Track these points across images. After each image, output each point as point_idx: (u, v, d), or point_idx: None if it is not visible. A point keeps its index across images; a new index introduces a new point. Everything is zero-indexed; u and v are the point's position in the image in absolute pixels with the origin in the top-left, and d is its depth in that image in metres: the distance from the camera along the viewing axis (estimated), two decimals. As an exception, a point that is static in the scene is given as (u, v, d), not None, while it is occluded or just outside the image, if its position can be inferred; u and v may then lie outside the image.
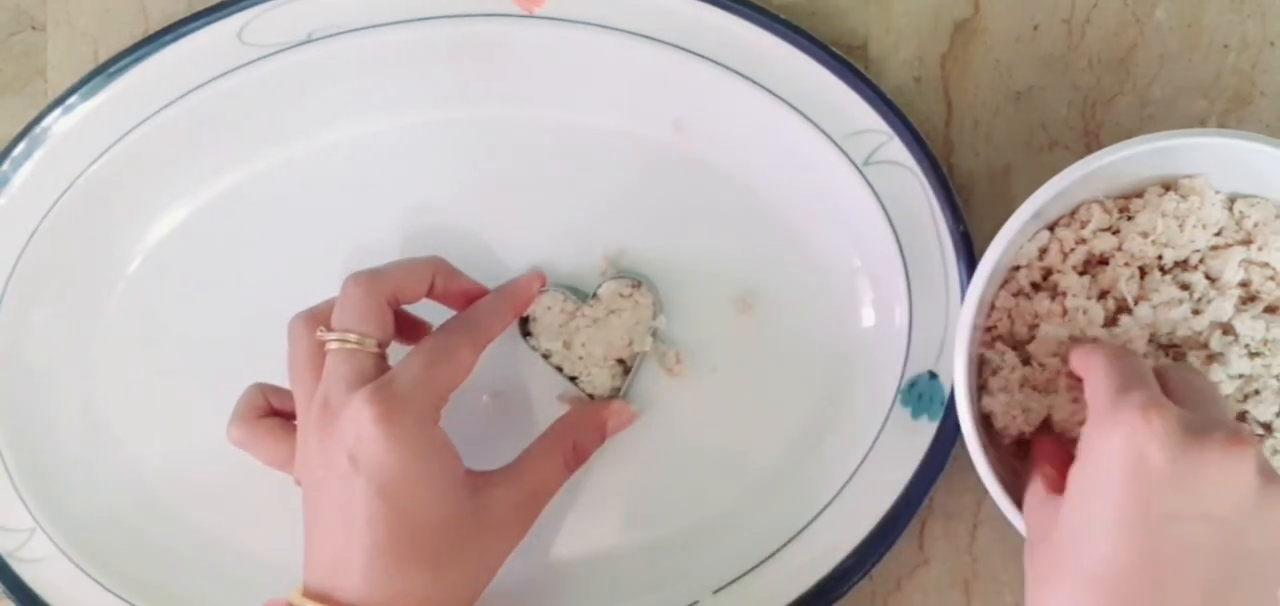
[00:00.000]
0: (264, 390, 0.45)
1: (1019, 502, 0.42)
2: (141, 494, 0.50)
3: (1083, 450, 0.37)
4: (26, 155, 0.47)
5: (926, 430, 0.47)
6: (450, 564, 0.41)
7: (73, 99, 0.47)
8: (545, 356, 0.48)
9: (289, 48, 0.47)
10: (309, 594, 0.40)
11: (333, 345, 0.41)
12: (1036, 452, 0.42)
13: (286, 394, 0.44)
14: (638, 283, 0.47)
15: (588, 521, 0.49)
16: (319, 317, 0.43)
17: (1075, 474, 0.37)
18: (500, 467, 0.44)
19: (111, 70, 0.47)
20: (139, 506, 0.50)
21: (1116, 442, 0.35)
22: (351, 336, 0.41)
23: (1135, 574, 0.34)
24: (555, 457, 0.45)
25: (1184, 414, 0.35)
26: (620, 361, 0.47)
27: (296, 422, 0.44)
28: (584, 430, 0.46)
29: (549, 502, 0.45)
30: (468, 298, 0.46)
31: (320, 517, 0.41)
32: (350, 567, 0.40)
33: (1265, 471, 0.35)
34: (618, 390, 0.48)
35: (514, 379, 0.49)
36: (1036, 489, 0.40)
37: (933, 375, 0.47)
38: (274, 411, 0.45)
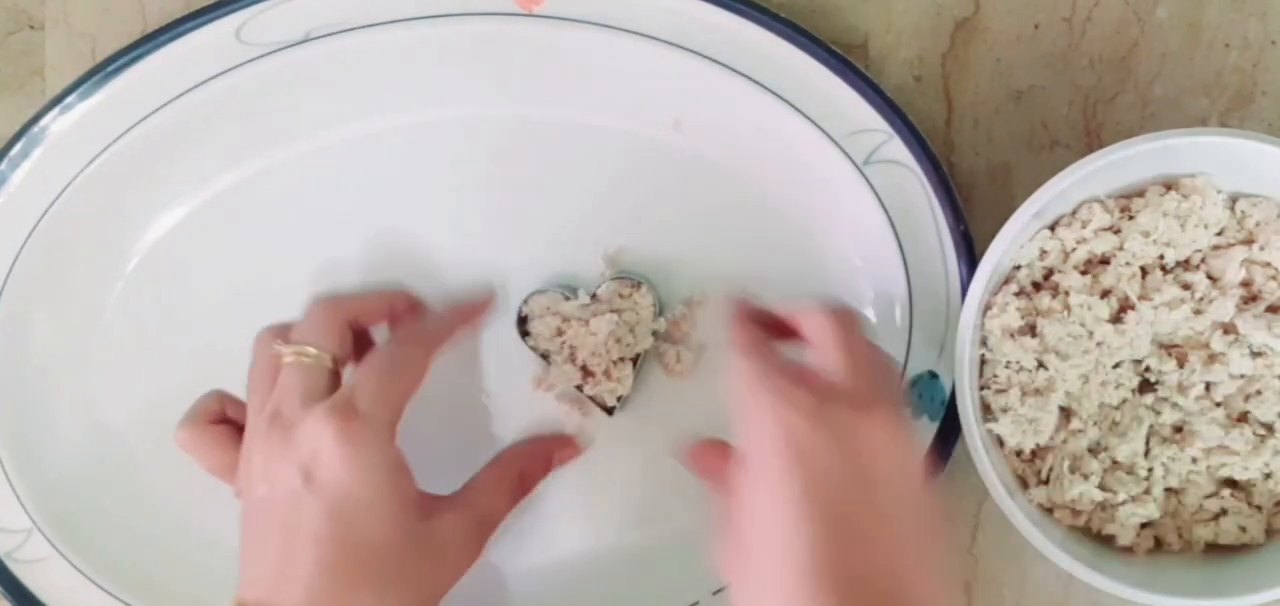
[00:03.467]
0: (222, 397, 0.45)
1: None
2: (139, 493, 0.49)
3: (743, 444, 0.38)
4: (24, 155, 0.47)
5: (927, 430, 0.47)
6: (396, 586, 0.40)
7: (71, 98, 0.47)
8: (543, 356, 0.48)
9: (287, 47, 0.47)
10: None
11: (288, 359, 0.41)
12: (693, 458, 0.44)
13: (244, 406, 0.44)
14: (637, 283, 0.47)
15: (588, 521, 0.49)
16: (283, 333, 0.43)
17: (739, 469, 0.38)
18: (451, 494, 0.45)
19: (109, 69, 0.47)
20: (136, 506, 0.49)
21: (767, 429, 0.37)
22: (309, 350, 0.41)
23: (825, 541, 0.36)
24: (501, 487, 0.45)
25: (813, 388, 0.38)
26: (619, 361, 0.47)
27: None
28: (530, 460, 0.47)
29: (497, 529, 0.45)
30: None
31: (261, 533, 0.40)
32: (292, 586, 0.39)
33: (902, 425, 0.38)
34: (618, 391, 0.47)
35: (511, 378, 0.48)
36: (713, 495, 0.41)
37: (933, 375, 0.47)
38: (227, 420, 0.45)
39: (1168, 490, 0.44)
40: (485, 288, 0.48)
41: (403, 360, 0.43)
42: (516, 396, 0.49)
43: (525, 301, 0.48)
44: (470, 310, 0.47)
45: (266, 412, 0.41)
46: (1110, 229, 0.43)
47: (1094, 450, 0.44)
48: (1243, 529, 0.43)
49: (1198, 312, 0.42)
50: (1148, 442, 0.43)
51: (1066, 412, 0.44)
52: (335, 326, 0.43)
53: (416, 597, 0.41)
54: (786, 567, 0.36)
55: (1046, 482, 0.43)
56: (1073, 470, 0.43)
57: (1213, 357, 0.42)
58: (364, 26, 0.47)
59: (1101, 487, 0.43)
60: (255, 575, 0.40)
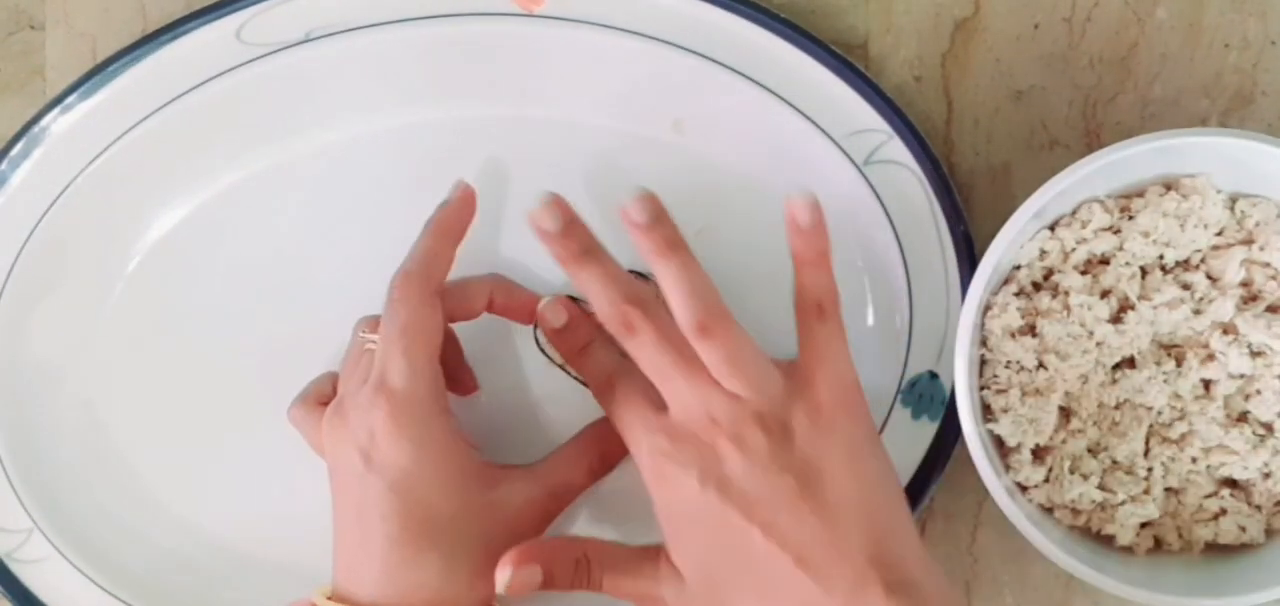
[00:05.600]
0: (335, 380, 0.45)
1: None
2: (139, 494, 0.49)
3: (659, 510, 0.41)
4: (25, 155, 0.47)
5: (927, 430, 0.47)
6: (463, 553, 0.42)
7: (71, 98, 0.47)
8: (562, 367, 0.48)
9: (287, 47, 0.47)
10: (334, 596, 0.41)
11: (370, 345, 0.43)
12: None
13: None
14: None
15: (592, 522, 0.49)
16: (375, 323, 0.44)
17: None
18: (527, 465, 0.45)
19: (110, 69, 0.47)
20: (137, 507, 0.49)
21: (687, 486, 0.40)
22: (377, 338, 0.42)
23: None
24: (581, 463, 0.46)
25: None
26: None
27: None
28: (613, 440, 0.45)
29: (569, 505, 0.45)
30: (527, 310, 0.46)
31: (340, 517, 0.42)
32: (367, 564, 0.41)
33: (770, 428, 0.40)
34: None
35: (518, 382, 0.48)
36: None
37: (933, 375, 0.47)
38: None
39: (1167, 490, 0.43)
40: (460, 188, 0.45)
41: (410, 320, 0.41)
42: (523, 400, 0.49)
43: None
44: (448, 221, 0.45)
45: (337, 397, 0.43)
46: (1110, 229, 0.43)
47: (1093, 450, 0.44)
48: (1242, 528, 0.43)
49: (1197, 312, 0.42)
50: (1147, 442, 0.43)
51: (1066, 412, 0.44)
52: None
53: (483, 565, 0.42)
54: None
55: (1046, 482, 0.43)
56: (1072, 470, 0.43)
57: (1212, 357, 0.42)
58: (364, 27, 0.47)
59: (1101, 487, 0.43)
60: (340, 560, 0.42)
